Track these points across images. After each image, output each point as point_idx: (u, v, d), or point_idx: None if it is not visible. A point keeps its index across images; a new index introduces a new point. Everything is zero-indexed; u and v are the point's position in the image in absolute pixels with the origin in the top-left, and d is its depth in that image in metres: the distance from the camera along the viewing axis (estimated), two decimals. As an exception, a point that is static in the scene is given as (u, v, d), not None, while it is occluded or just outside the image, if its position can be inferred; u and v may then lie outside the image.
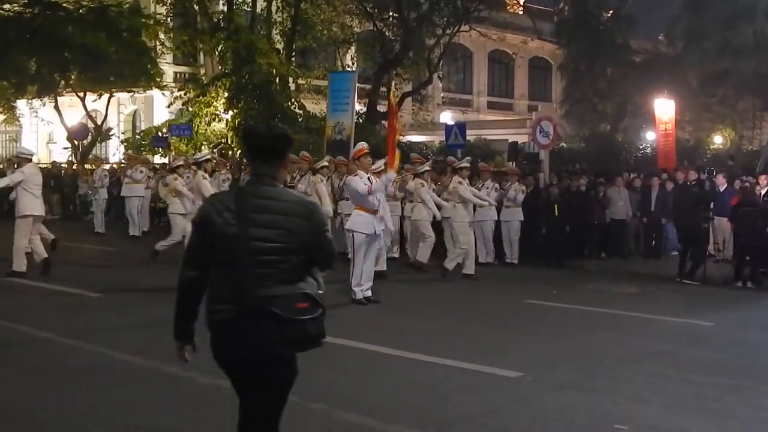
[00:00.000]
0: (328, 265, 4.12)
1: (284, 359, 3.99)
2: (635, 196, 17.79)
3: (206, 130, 27.12)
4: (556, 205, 16.24)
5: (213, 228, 3.89)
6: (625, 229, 17.60)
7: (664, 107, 21.99)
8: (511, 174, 16.59)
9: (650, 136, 27.29)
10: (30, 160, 14.15)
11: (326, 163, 14.13)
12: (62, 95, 32.57)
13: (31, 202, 13.39)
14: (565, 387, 7.23)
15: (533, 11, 41.28)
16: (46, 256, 13.68)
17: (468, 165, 14.37)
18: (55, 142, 37.40)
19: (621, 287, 13.72)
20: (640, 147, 26.63)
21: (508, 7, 43.79)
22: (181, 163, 15.32)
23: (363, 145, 11.61)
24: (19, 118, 37.47)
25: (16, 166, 14.59)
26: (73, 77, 30.91)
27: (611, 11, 34.14)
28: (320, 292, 3.93)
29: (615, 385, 7.34)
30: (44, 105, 33.37)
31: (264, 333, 3.80)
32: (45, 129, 37.68)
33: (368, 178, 11.12)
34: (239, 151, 25.58)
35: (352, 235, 11.02)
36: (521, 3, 45.10)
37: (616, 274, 15.26)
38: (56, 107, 31.96)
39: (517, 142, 23.68)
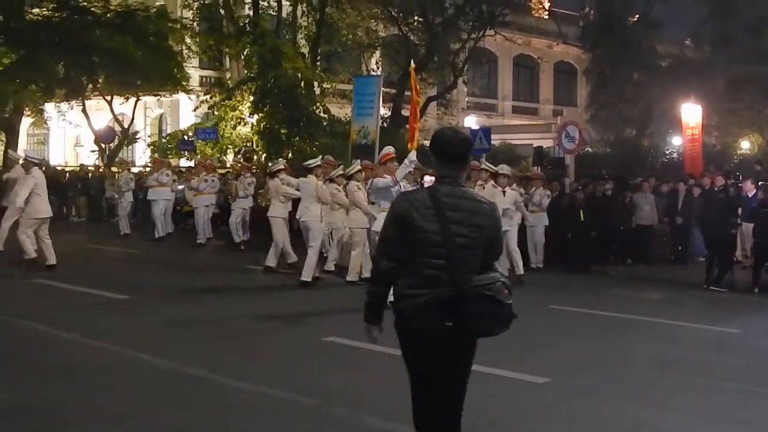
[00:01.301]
0: (496, 258, 4.52)
1: (486, 335, 4.39)
2: (662, 201, 17.66)
3: (231, 133, 27.26)
4: (581, 210, 16.16)
5: (412, 223, 4.27)
6: (651, 234, 17.47)
7: (691, 112, 21.82)
8: (535, 179, 16.51)
9: (676, 141, 27.11)
10: (37, 165, 14.36)
11: (359, 167, 13.93)
12: (90, 99, 32.82)
13: (41, 205, 13.83)
14: (591, 393, 7.18)
15: (558, 15, 41.16)
16: (34, 256, 13.87)
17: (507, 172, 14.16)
18: (83, 145, 37.71)
19: (647, 293, 13.61)
20: (666, 152, 26.49)
21: (534, 12, 43.74)
22: (282, 167, 15.34)
23: (389, 150, 11.62)
24: (47, 122, 37.82)
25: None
26: (100, 81, 31.12)
27: (637, 15, 33.93)
28: (504, 280, 4.36)
29: (641, 392, 7.28)
30: (72, 108, 33.62)
31: (482, 312, 4.23)
32: (72, 132, 38.01)
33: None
34: (264, 155, 25.68)
35: (378, 237, 11.01)
36: (546, 7, 44.99)
37: (641, 280, 15.15)
38: (84, 110, 32.20)
39: (542, 146, 23.62)
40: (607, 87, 33.65)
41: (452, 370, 4.42)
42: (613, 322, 10.93)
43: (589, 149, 26.62)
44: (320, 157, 15.00)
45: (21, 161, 14.76)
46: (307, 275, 12.68)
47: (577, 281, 14.85)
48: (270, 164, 21.60)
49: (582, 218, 16.04)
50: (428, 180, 13.86)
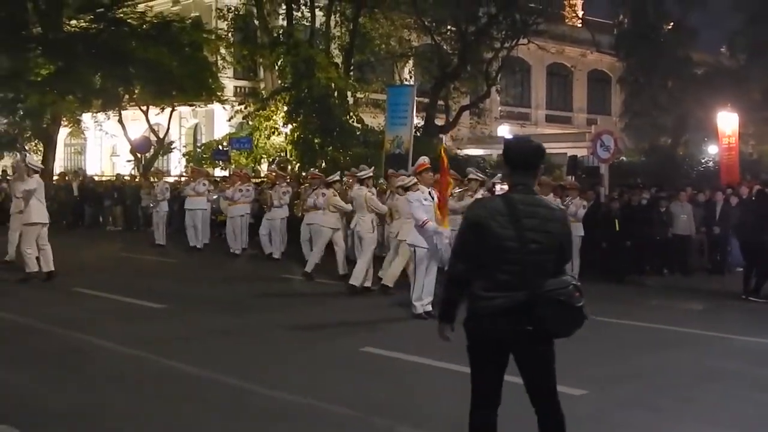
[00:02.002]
0: (567, 262, 4.73)
1: (558, 337, 4.60)
2: (698, 210, 17.49)
3: (266, 143, 27.45)
4: (616, 220, 16.03)
5: (489, 229, 4.48)
6: (688, 244, 17.30)
7: (727, 120, 21.61)
8: (571, 188, 16.42)
9: (712, 149, 26.85)
10: (38, 172, 14.38)
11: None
12: (126, 109, 33.21)
13: (40, 211, 13.83)
14: (630, 405, 7.12)
15: (592, 24, 40.92)
16: (36, 270, 13.84)
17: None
18: (119, 155, 38.15)
19: (685, 304, 13.48)
20: (702, 161, 26.23)
21: (567, 20, 43.57)
22: (337, 178, 15.44)
23: (424, 160, 11.58)
24: (84, 132, 38.31)
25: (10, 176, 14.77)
26: (136, 91, 31.49)
27: (672, 23, 33.70)
28: (576, 284, 4.55)
29: (682, 405, 7.20)
30: (108, 118, 34.05)
31: (554, 315, 4.43)
32: (109, 142, 38.49)
33: (429, 193, 11.10)
34: (298, 164, 25.81)
35: (414, 250, 11.01)
36: (580, 16, 44.77)
37: (678, 291, 15.00)
38: (120, 121, 32.59)
39: (576, 155, 23.47)
40: (641, 95, 33.45)
41: (534, 371, 4.67)
42: (651, 333, 10.82)
43: (624, 158, 26.41)
44: (371, 168, 15.03)
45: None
46: (356, 280, 12.80)
47: (612, 292, 14.70)
48: (307, 171, 21.71)
49: (617, 228, 15.91)
50: (498, 189, 13.87)
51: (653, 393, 7.55)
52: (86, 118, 35.10)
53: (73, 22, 31.07)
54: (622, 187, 18.56)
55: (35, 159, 14.66)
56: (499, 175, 15.14)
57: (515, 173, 4.62)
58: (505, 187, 4.88)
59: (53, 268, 13.94)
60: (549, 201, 4.82)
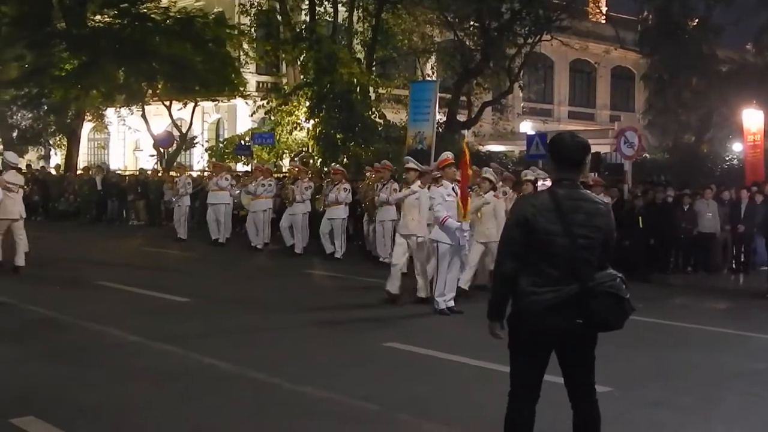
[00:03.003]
0: (611, 257, 4.77)
1: (611, 329, 4.65)
2: (723, 208, 17.36)
3: (288, 138, 27.49)
4: (640, 217, 15.94)
5: (536, 226, 4.53)
6: (713, 242, 17.18)
7: (753, 118, 21.41)
8: (596, 185, 16.33)
9: (737, 147, 26.62)
10: (14, 168, 14.28)
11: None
12: (149, 104, 33.37)
13: (13, 207, 13.74)
14: (654, 404, 7.08)
15: (616, 20, 40.70)
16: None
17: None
18: (142, 150, 38.31)
19: (709, 302, 13.40)
20: (726, 159, 26.01)
21: (591, 16, 43.33)
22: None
23: (448, 155, 11.54)
24: (108, 126, 38.55)
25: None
26: (159, 86, 31.62)
27: (697, 20, 33.41)
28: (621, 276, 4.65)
29: (706, 404, 7.15)
30: (132, 113, 34.24)
31: (607, 308, 4.52)
32: (132, 137, 38.67)
33: (453, 188, 11.08)
34: (320, 160, 25.84)
35: (437, 245, 10.98)
36: (604, 12, 44.52)
37: (702, 289, 14.91)
38: (143, 115, 32.76)
39: (599, 152, 23.31)
40: (665, 92, 33.18)
41: (577, 367, 4.75)
42: (676, 331, 10.76)
43: (647, 155, 26.23)
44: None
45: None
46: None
47: (636, 290, 14.54)
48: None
49: (641, 225, 15.81)
50: (540, 185, 13.71)
51: (677, 392, 7.51)
52: (110, 112, 35.36)
53: (97, 17, 31.26)
54: (645, 184, 18.45)
55: (13, 155, 14.57)
56: (531, 169, 15.01)
57: (561, 169, 4.68)
58: (548, 182, 4.89)
59: (23, 264, 13.85)
60: (594, 196, 4.83)
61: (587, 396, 4.80)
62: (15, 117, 33.30)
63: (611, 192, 16.74)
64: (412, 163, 12.78)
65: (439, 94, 21.80)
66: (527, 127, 37.41)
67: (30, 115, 33.51)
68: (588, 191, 4.87)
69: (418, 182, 12.32)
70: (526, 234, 4.56)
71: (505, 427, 4.77)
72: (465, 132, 30.15)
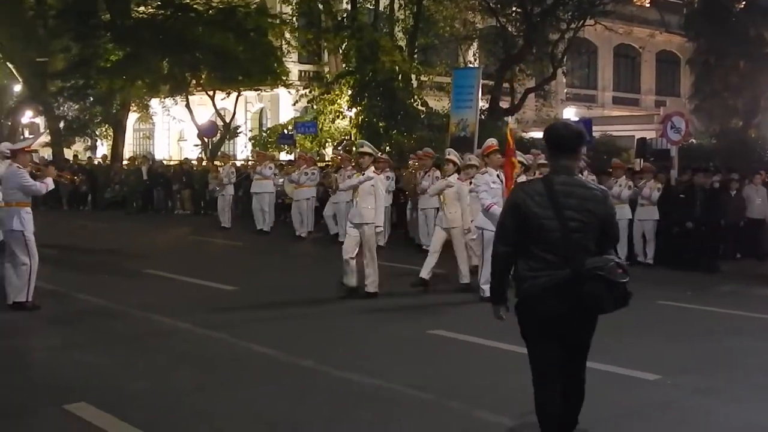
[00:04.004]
0: (616, 240, 5.01)
1: (602, 313, 4.80)
2: (774, 194, 17.03)
3: (330, 127, 27.56)
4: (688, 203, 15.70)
5: (528, 211, 4.71)
6: (762, 228, 16.88)
7: (803, 102, 20.99)
8: (646, 171, 16.16)
9: (786, 131, 26.15)
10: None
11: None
12: (193, 94, 33.59)
13: None
14: (705, 392, 7.01)
15: (661, 3, 40.01)
16: None
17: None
18: (186, 140, 38.65)
19: (759, 289, 13.18)
20: (775, 143, 25.56)
21: (635, 0, 42.71)
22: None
23: (492, 142, 11.47)
24: (152, 117, 38.94)
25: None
26: (203, 76, 31.84)
27: (744, 2, 32.78)
28: (619, 261, 4.75)
29: (757, 394, 7.04)
30: (176, 104, 34.50)
31: (596, 292, 4.63)
32: (176, 127, 39.05)
33: (497, 175, 11.01)
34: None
35: (482, 233, 10.93)
36: (648, -5, 43.89)
37: (752, 276, 14.65)
38: (187, 106, 33.00)
39: (645, 138, 23.02)
40: (711, 76, 32.60)
41: (574, 345, 4.91)
42: (726, 318, 10.61)
43: (693, 141, 25.85)
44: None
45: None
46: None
47: (685, 277, 14.42)
48: None
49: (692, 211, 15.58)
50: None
51: (727, 380, 7.43)
52: (154, 103, 35.69)
53: (141, 8, 31.55)
54: (693, 170, 18.18)
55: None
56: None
57: (555, 156, 4.88)
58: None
59: None
60: (588, 181, 5.06)
61: (578, 373, 5.00)
62: (62, 108, 33.77)
63: (660, 178, 16.52)
64: (453, 155, 12.59)
65: (481, 81, 21.68)
66: (571, 113, 37.04)
67: (76, 106, 33.96)
68: (584, 179, 5.13)
69: (455, 175, 12.20)
70: (519, 220, 4.75)
71: (536, 413, 4.96)
72: (508, 119, 29.98)
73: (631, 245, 15.46)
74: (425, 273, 11.89)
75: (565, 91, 42.59)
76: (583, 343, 4.96)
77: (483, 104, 25.93)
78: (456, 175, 12.21)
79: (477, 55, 33.68)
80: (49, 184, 10.26)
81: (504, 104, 29.97)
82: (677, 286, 13.03)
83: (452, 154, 12.58)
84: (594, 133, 21.01)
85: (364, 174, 11.37)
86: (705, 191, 15.93)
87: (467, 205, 11.80)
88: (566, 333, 4.83)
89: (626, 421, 6.22)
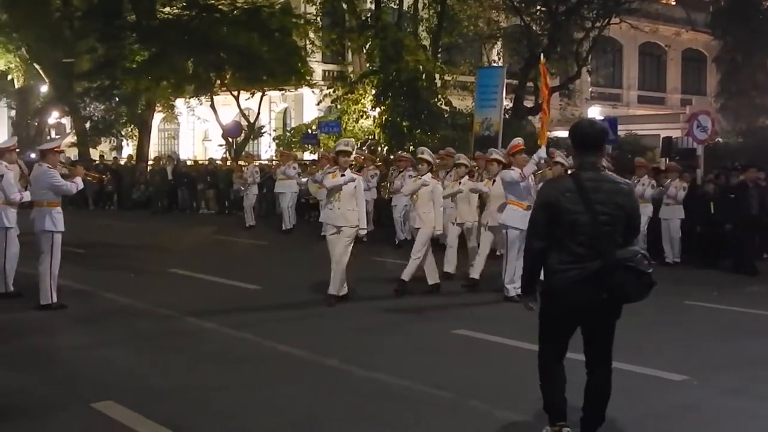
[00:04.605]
0: (636, 234, 5.13)
1: (629, 302, 4.99)
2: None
3: (354, 127, 27.55)
4: (712, 203, 15.58)
5: (560, 206, 4.94)
6: (789, 228, 16.66)
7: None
8: (671, 170, 16.02)
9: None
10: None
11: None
12: (217, 94, 33.76)
13: None
14: (732, 392, 6.96)
15: (687, 1, 39.78)
16: None
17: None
18: (211, 140, 38.84)
19: (786, 290, 13.04)
20: (802, 142, 25.28)
21: (660, -2, 42.48)
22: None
23: (518, 141, 11.43)
24: (177, 117, 39.15)
25: None
26: (227, 76, 31.97)
27: (771, -1, 32.54)
28: (644, 252, 4.99)
29: (786, 393, 6.98)
30: (201, 104, 34.67)
31: (626, 282, 4.85)
32: (201, 127, 39.22)
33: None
34: (386, 147, 25.87)
35: (506, 231, 10.89)
36: (674, -7, 43.60)
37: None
38: (212, 106, 33.16)
39: (671, 137, 22.88)
40: (738, 75, 32.41)
41: (599, 334, 5.12)
42: (751, 318, 10.52)
43: (720, 140, 25.64)
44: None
45: None
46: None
47: (712, 277, 14.30)
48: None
49: (713, 211, 15.46)
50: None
51: (755, 380, 7.35)
52: (179, 103, 35.87)
53: (166, 9, 31.72)
54: (719, 169, 18.02)
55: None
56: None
57: (581, 153, 5.08)
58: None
59: None
60: (615, 177, 5.20)
61: (604, 363, 5.16)
62: (88, 108, 34.01)
63: (685, 177, 16.39)
64: (426, 154, 12.12)
65: (506, 80, 21.61)
66: (596, 112, 36.84)
67: (102, 107, 34.20)
68: (610, 173, 5.28)
69: (429, 174, 11.88)
70: (551, 216, 4.97)
71: (540, 383, 5.28)
72: (532, 118, 29.85)
73: (653, 243, 15.31)
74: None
75: (590, 89, 42.38)
76: (607, 332, 5.11)
77: (507, 103, 25.84)
78: (430, 175, 11.96)
79: (501, 54, 33.59)
80: (79, 183, 10.34)
81: (528, 103, 29.84)
82: (703, 286, 12.92)
83: (426, 154, 12.22)
84: (619, 132, 20.89)
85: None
86: (759, 188, 15.44)
87: (440, 206, 11.75)
88: (591, 322, 5.05)
89: (654, 421, 6.18)
